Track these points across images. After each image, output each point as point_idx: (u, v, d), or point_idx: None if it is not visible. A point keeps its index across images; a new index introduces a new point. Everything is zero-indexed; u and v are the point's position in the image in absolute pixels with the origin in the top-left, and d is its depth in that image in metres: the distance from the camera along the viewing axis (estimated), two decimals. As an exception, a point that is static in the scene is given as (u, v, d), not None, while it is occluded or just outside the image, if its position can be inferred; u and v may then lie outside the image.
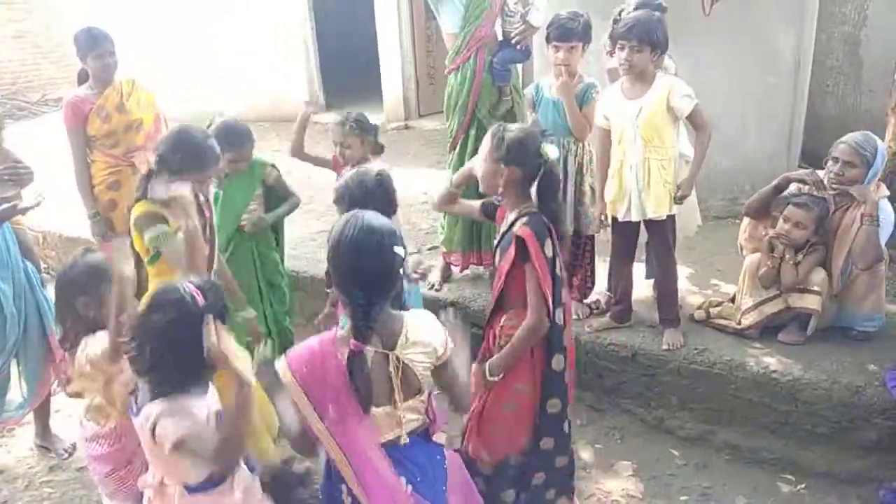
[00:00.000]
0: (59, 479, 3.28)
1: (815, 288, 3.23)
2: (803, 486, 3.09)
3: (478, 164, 2.55)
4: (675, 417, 3.44)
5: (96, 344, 2.36)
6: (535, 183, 2.47)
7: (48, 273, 4.06)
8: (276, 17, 7.78)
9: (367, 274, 1.78)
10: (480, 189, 2.61)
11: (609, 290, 3.73)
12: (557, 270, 2.46)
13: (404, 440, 1.88)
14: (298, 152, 3.67)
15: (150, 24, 7.94)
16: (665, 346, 3.41)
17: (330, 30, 8.38)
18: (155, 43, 7.83)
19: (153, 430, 1.90)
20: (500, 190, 2.47)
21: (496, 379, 2.49)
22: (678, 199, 3.28)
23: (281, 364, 1.83)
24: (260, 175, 3.45)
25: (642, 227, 3.43)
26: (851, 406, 3.06)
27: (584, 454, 3.31)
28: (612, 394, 3.56)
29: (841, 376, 3.12)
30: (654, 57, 3.18)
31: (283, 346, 3.60)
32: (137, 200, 2.61)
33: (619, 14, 3.47)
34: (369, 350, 1.80)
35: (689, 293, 3.87)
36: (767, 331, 3.39)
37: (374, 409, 1.84)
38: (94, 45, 3.76)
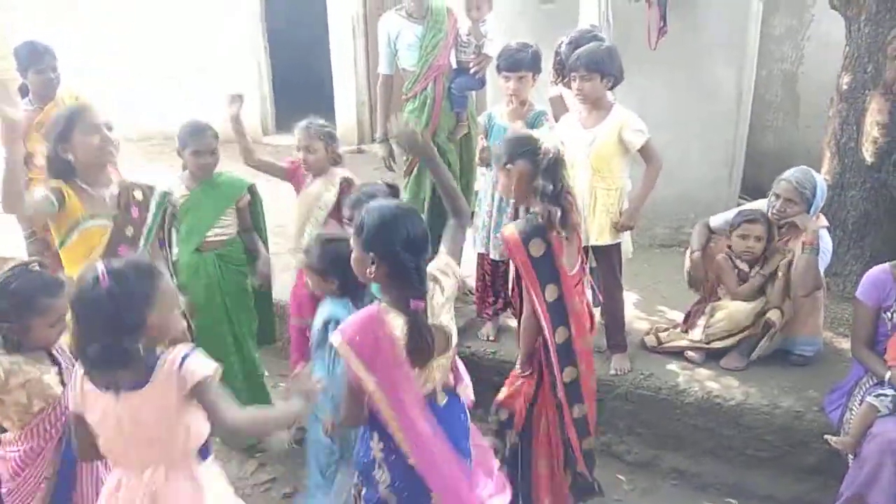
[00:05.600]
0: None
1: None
2: (746, 509, 3.14)
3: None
4: (623, 442, 3.46)
5: None
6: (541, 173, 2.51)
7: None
8: (229, 38, 7.71)
9: (417, 240, 2.01)
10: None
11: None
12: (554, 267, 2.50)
13: (442, 399, 2.10)
14: (251, 158, 3.47)
15: (101, 44, 7.78)
16: (612, 371, 3.44)
17: (283, 52, 8.33)
18: (105, 62, 7.67)
19: (181, 365, 1.85)
20: (519, 192, 2.58)
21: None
22: (618, 228, 3.34)
23: (335, 335, 2.00)
24: (235, 193, 3.30)
25: (591, 254, 3.47)
26: (792, 430, 3.13)
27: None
28: (560, 419, 3.56)
29: (781, 401, 3.19)
30: (606, 84, 3.26)
31: (253, 379, 3.43)
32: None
33: (560, 46, 3.58)
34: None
35: (636, 319, 3.92)
36: (710, 356, 3.45)
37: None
38: (35, 59, 3.65)
